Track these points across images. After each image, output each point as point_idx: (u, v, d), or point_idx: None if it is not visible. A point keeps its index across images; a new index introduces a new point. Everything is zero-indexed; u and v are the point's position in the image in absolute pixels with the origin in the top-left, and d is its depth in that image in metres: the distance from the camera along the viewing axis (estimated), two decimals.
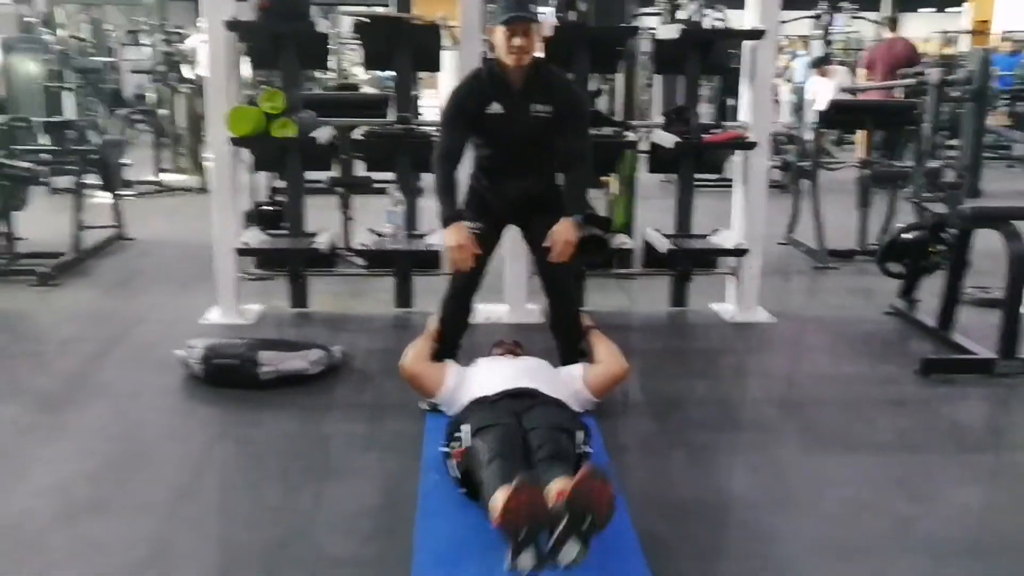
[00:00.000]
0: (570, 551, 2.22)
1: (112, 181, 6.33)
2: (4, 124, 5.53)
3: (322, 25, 4.54)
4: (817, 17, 13.16)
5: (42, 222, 6.21)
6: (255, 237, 4.59)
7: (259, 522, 2.75)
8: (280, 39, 4.50)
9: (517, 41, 3.35)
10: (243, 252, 4.47)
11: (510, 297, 4.85)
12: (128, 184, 7.40)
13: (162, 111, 9.40)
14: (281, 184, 5.36)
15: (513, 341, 3.75)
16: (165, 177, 9.19)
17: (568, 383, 3.42)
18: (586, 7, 4.45)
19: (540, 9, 3.49)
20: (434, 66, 4.78)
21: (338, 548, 2.60)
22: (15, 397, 3.74)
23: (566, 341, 3.75)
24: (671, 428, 3.55)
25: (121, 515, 2.75)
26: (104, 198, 6.55)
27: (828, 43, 13.19)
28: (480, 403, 3.07)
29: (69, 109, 8.82)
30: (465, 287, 3.67)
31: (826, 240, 6.17)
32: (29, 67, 8.99)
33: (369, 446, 3.31)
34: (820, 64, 11.46)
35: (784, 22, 17.77)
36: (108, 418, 3.52)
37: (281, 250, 4.59)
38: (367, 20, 4.44)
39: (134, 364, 4.10)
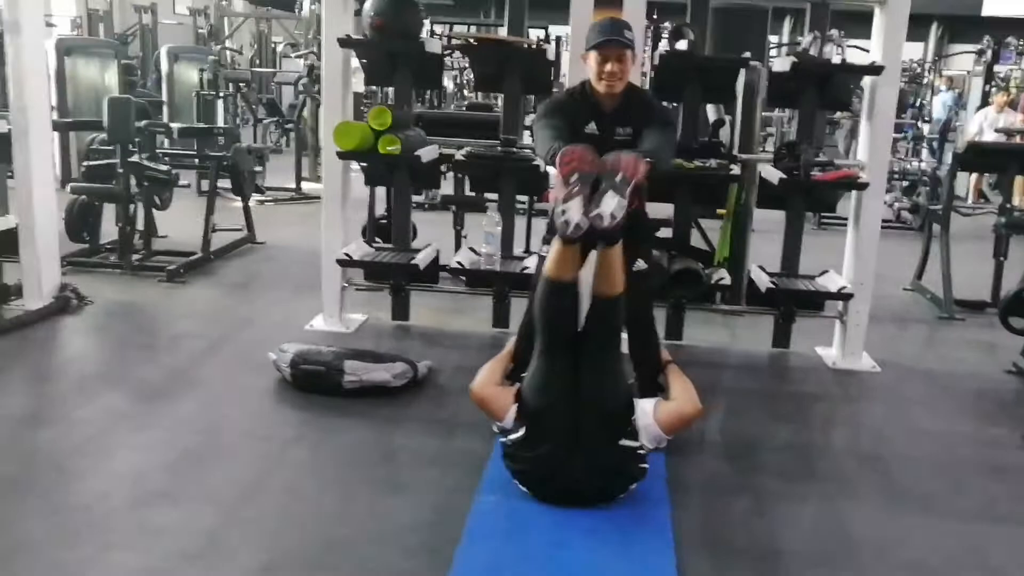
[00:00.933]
0: (610, 201, 2.90)
1: (243, 186, 6.69)
2: (145, 128, 5.91)
3: (435, 45, 4.66)
4: (980, 53, 12.47)
5: (186, 222, 6.61)
6: (358, 249, 4.75)
7: (311, 526, 2.84)
8: (395, 57, 4.66)
9: (609, 67, 3.34)
10: (343, 263, 4.63)
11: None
12: (259, 190, 7.79)
13: (305, 121, 9.87)
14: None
15: None
16: (305, 185, 9.65)
17: (639, 417, 3.38)
18: (695, 36, 4.38)
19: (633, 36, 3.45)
20: (544, 89, 4.83)
21: (378, 560, 2.65)
22: (119, 385, 4.00)
23: (643, 372, 3.71)
24: (742, 471, 3.44)
25: (186, 506, 2.90)
26: (237, 202, 6.94)
27: (994, 80, 12.46)
28: None
29: (219, 116, 9.38)
30: None
31: (954, 289, 5.82)
32: (191, 76, 9.61)
33: (434, 462, 3.35)
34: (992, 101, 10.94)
35: (942, 57, 17.10)
36: (197, 413, 3.71)
37: (380, 263, 4.71)
38: (474, 42, 4.53)
39: (234, 363, 4.31)
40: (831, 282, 4.63)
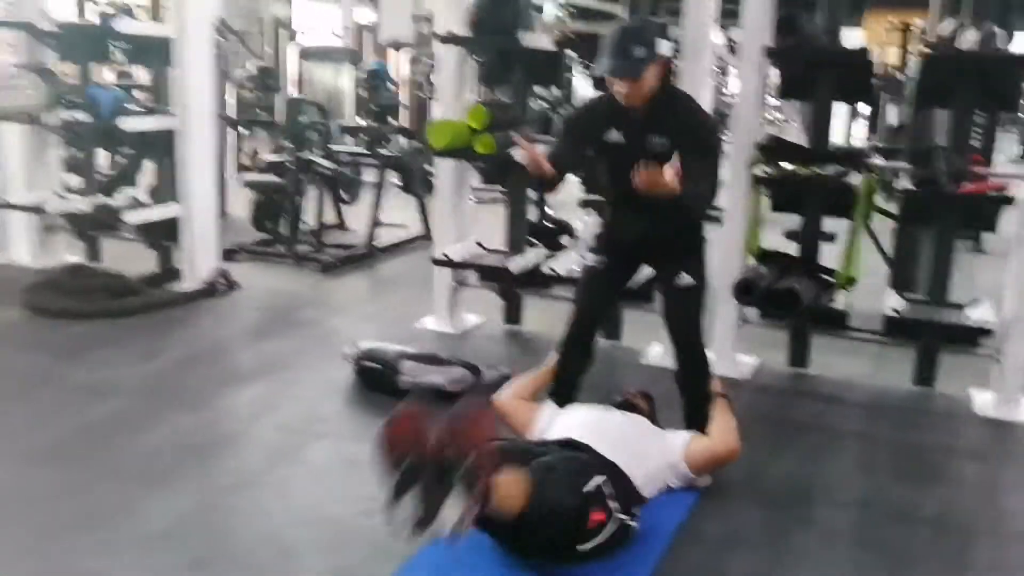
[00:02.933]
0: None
1: (413, 185, 6.87)
2: (310, 125, 6.24)
3: (545, 42, 4.49)
4: None
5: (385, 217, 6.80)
6: (463, 250, 4.68)
7: (275, 517, 2.84)
8: (507, 55, 4.54)
9: (617, 87, 3.02)
10: (439, 263, 4.59)
11: (717, 345, 4.39)
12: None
13: None
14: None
15: (640, 392, 3.41)
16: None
17: (665, 452, 3.04)
18: (808, 25, 3.85)
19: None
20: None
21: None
22: (224, 365, 4.30)
23: (688, 400, 3.33)
24: (801, 529, 2.97)
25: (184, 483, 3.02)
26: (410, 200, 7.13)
27: None
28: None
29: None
30: (583, 323, 3.40)
31: None
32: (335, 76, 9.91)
33: None
34: None
35: None
36: (261, 393, 3.88)
37: (476, 265, 4.61)
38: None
39: (333, 354, 4.36)
40: (983, 313, 3.89)
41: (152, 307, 5.03)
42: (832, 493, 3.19)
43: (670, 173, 2.83)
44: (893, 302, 4.03)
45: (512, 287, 4.77)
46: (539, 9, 4.45)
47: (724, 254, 4.25)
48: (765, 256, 4.17)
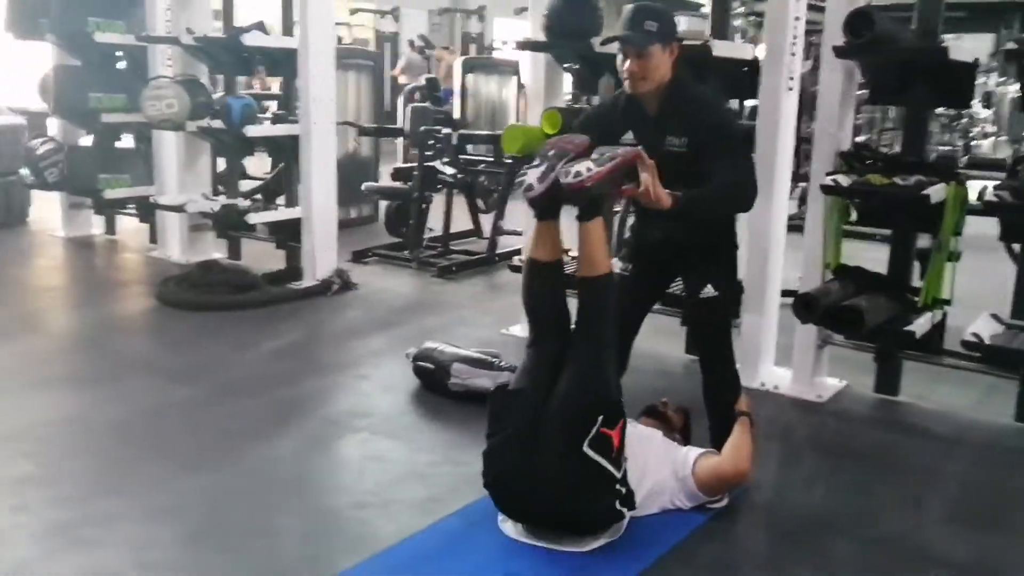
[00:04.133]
0: (578, 165, 2.59)
1: None
2: (430, 134, 6.43)
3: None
4: None
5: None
6: None
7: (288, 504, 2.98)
8: (592, 61, 4.50)
9: (627, 64, 2.92)
10: (516, 269, 4.60)
11: (797, 363, 4.14)
12: None
13: None
14: None
15: (675, 407, 3.27)
16: None
17: (675, 467, 2.92)
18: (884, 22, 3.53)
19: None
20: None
21: None
22: (306, 357, 4.56)
23: (713, 417, 3.18)
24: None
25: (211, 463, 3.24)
26: None
27: None
28: None
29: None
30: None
31: None
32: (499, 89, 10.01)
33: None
34: None
35: None
36: (325, 386, 4.10)
37: None
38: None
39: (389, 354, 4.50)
40: None
41: (266, 302, 5.38)
42: (858, 528, 2.93)
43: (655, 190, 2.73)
44: (983, 326, 3.63)
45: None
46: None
47: (801, 268, 4.04)
48: (844, 272, 3.90)
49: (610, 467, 2.61)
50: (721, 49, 3.99)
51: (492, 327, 5.02)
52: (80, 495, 3.01)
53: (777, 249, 4.22)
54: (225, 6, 6.15)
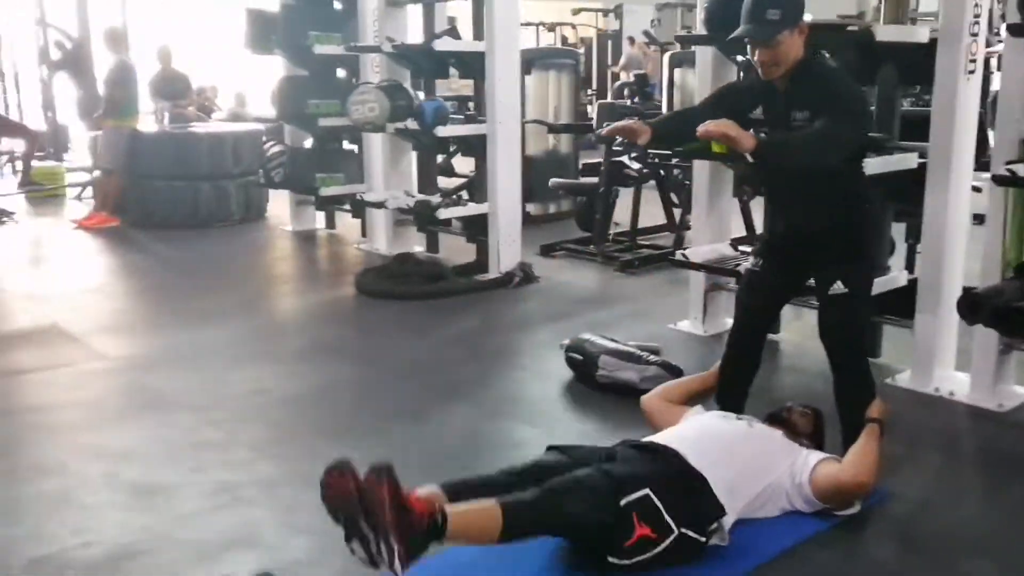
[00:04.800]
0: (359, 550, 2.22)
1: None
2: None
3: None
4: None
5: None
6: (706, 252, 4.62)
7: None
8: None
9: (759, 56, 2.85)
10: (676, 263, 4.59)
11: (977, 368, 3.85)
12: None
13: None
14: None
15: (803, 408, 3.15)
16: None
17: (794, 471, 2.84)
18: None
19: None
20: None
21: None
22: (473, 345, 4.82)
23: (845, 422, 3.05)
24: None
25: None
26: None
27: None
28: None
29: None
30: (745, 327, 3.30)
31: None
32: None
33: None
34: None
35: None
36: (478, 373, 4.30)
37: (715, 268, 4.51)
38: None
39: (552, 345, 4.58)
40: None
41: (451, 293, 5.69)
42: (1007, 554, 2.71)
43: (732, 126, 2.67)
44: None
45: None
46: None
47: (980, 266, 3.75)
48: None
49: (662, 544, 2.49)
50: (888, 33, 3.77)
51: (662, 321, 5.03)
52: (248, 460, 3.39)
53: (955, 244, 3.94)
54: (426, 15, 6.55)
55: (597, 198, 6.60)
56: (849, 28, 3.83)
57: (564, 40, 17.23)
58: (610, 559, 2.46)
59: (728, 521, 2.68)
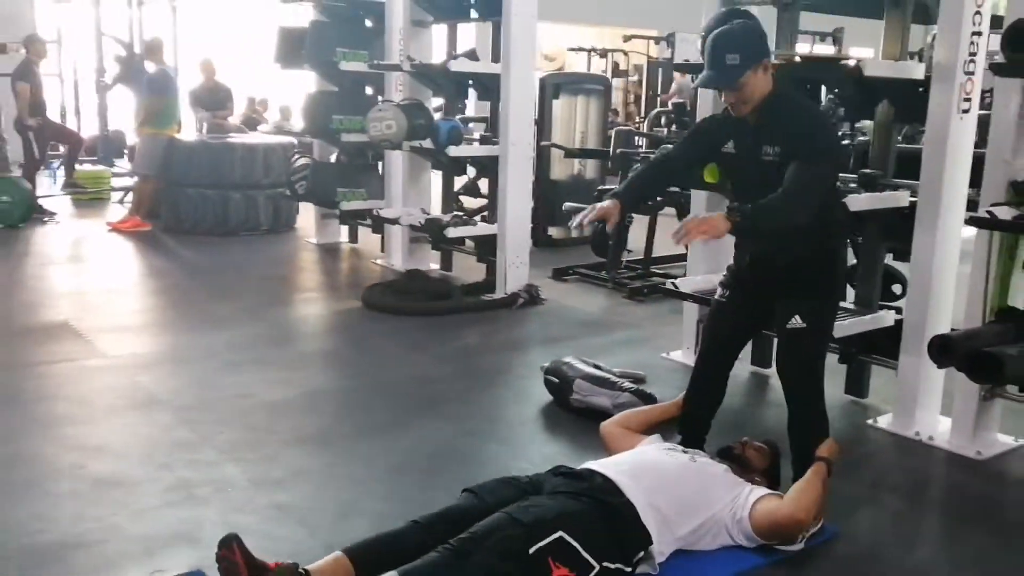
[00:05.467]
0: None
1: None
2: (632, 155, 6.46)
3: None
4: None
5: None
6: (699, 283, 4.58)
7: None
8: None
9: (724, 97, 2.88)
10: (665, 292, 4.57)
11: (957, 414, 3.77)
12: None
13: None
14: None
15: (743, 442, 3.11)
16: None
17: (736, 507, 2.81)
18: None
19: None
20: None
21: None
22: (464, 364, 4.83)
23: (794, 456, 3.01)
24: None
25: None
26: None
27: None
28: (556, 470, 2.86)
29: None
30: (709, 358, 3.29)
31: None
32: None
33: None
34: None
35: None
36: (455, 389, 4.32)
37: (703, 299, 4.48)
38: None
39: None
40: None
41: (454, 310, 5.75)
42: None
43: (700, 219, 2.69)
44: None
45: None
46: None
47: (963, 309, 3.68)
48: (1009, 315, 3.50)
49: None
50: (878, 68, 3.74)
51: (655, 350, 5.01)
52: (214, 461, 3.46)
53: (942, 285, 3.87)
54: (449, 36, 6.65)
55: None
56: (841, 63, 3.81)
57: (616, 67, 17.29)
58: None
59: (657, 551, 2.67)
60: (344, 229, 8.00)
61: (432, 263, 6.91)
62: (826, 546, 2.91)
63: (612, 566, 2.52)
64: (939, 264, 3.83)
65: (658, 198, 6.47)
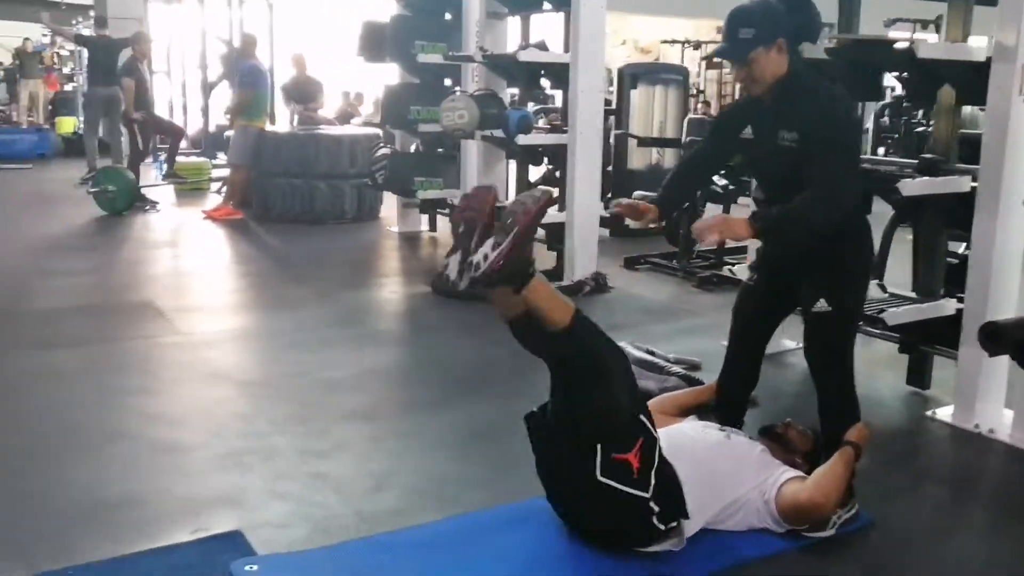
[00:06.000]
0: (484, 248, 2.43)
1: None
2: None
3: None
4: None
5: None
6: None
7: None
8: None
9: (734, 74, 2.84)
10: (723, 279, 4.51)
11: (1019, 404, 3.63)
12: None
13: None
14: None
15: (787, 423, 3.08)
16: None
17: (765, 488, 2.80)
18: None
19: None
20: None
21: None
22: (509, 348, 4.82)
23: (825, 438, 2.97)
24: None
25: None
26: None
27: None
28: None
29: None
30: (740, 342, 3.27)
31: None
32: None
33: None
34: None
35: None
36: (507, 373, 4.38)
37: None
38: None
39: None
40: None
41: None
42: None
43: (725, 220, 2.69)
44: None
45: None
46: None
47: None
48: None
49: (633, 490, 2.51)
50: (932, 50, 3.62)
51: (716, 338, 4.90)
52: (264, 432, 3.62)
53: (1004, 272, 3.72)
54: (523, 27, 6.72)
55: (682, 213, 6.55)
56: (895, 45, 3.71)
57: (709, 59, 17.03)
58: (597, 455, 2.48)
59: (688, 527, 2.68)
60: (424, 218, 8.16)
61: None
62: (858, 534, 2.85)
63: (655, 508, 2.55)
64: (1001, 250, 3.69)
65: (730, 186, 6.40)
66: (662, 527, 2.59)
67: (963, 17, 3.89)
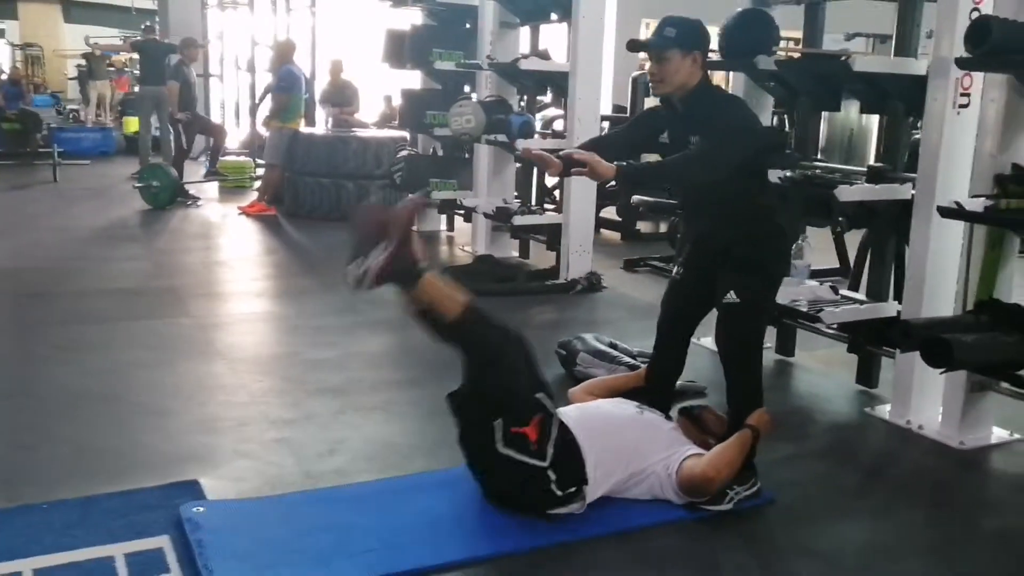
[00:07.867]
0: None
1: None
2: None
3: None
4: None
5: None
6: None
7: None
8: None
9: (649, 70, 3.12)
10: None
11: (946, 404, 3.82)
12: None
13: None
14: None
15: (704, 406, 3.34)
16: None
17: (671, 462, 3.06)
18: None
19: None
20: None
21: None
22: None
23: (729, 421, 3.22)
24: None
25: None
26: None
27: None
28: None
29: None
30: (663, 332, 3.51)
31: None
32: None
33: None
34: None
35: None
36: None
37: None
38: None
39: None
40: None
41: (512, 292, 6.12)
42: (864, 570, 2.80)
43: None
44: None
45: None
46: None
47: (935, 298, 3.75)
48: (985, 306, 3.53)
49: (531, 460, 2.81)
50: (867, 64, 3.84)
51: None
52: (243, 402, 4.00)
53: (939, 275, 3.90)
54: (532, 36, 7.04)
55: (678, 219, 6.79)
56: (836, 58, 3.93)
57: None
58: (498, 429, 2.80)
59: (589, 492, 2.95)
60: (443, 218, 8.52)
61: (513, 251, 7.31)
62: (754, 509, 3.08)
63: (552, 477, 2.83)
64: (935, 255, 3.88)
65: None
66: (559, 493, 2.87)
67: (910, 32, 4.09)
